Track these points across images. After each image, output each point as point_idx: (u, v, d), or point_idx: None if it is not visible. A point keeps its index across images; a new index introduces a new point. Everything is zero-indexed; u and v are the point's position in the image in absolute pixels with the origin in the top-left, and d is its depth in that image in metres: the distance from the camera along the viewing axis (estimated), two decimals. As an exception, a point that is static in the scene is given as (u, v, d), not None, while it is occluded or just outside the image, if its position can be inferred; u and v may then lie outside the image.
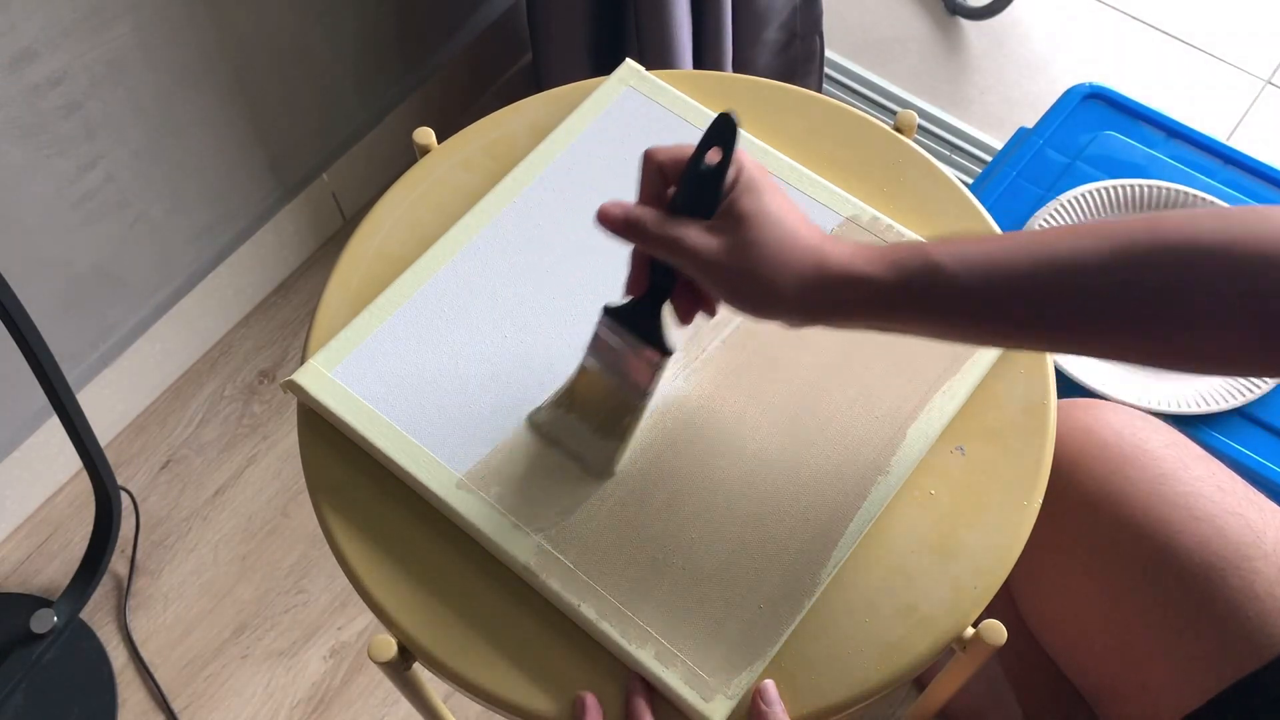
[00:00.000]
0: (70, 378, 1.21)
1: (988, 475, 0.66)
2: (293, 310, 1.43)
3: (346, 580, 0.69)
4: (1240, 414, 0.94)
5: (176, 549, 1.29)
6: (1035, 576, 0.76)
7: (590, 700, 0.59)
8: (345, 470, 0.66)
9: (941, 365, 0.68)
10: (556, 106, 0.79)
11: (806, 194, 0.74)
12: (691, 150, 0.57)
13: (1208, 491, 0.70)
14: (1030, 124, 1.15)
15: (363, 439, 0.66)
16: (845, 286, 0.55)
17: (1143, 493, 0.71)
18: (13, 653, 1.16)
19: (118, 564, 1.27)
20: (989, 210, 0.75)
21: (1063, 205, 1.02)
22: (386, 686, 1.21)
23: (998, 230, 0.74)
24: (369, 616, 1.24)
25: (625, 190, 0.74)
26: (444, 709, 0.83)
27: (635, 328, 0.62)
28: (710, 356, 0.69)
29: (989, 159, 1.43)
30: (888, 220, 0.73)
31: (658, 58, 1.20)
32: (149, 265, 1.25)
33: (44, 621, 1.17)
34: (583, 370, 0.65)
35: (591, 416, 0.65)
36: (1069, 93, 1.13)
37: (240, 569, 1.27)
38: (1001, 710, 0.99)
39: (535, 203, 0.74)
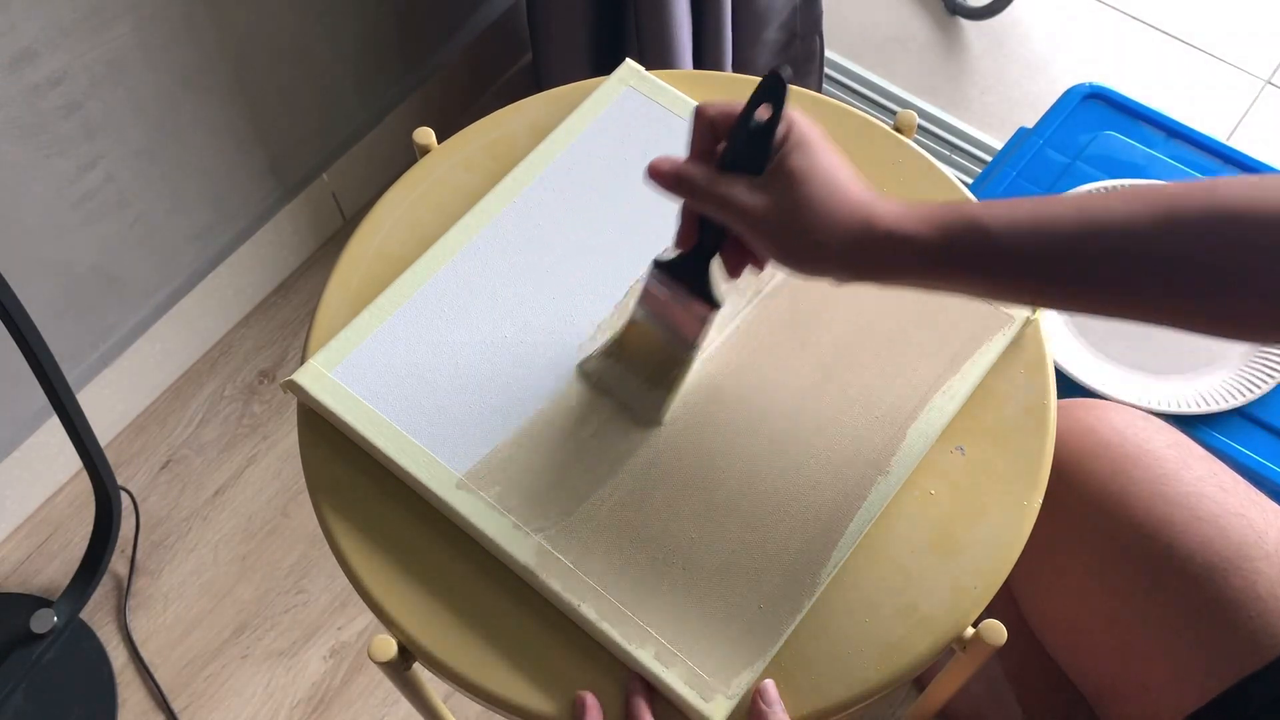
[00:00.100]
0: (70, 378, 1.21)
1: (988, 475, 0.66)
2: (293, 310, 1.43)
3: (346, 580, 0.69)
4: (1240, 414, 0.94)
5: (176, 549, 1.29)
6: (1037, 576, 0.76)
7: (590, 700, 0.59)
8: (345, 470, 0.66)
9: (941, 365, 0.68)
10: (556, 106, 0.79)
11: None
12: (742, 106, 0.57)
13: (1210, 492, 0.70)
14: (1030, 124, 1.15)
15: (363, 439, 0.66)
16: (891, 246, 0.55)
17: (1145, 493, 0.71)
18: (13, 653, 1.16)
19: (118, 564, 1.27)
20: (989, 210, 0.75)
21: (1063, 205, 1.02)
22: (386, 686, 1.21)
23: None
24: (369, 616, 1.24)
25: (624, 190, 0.75)
26: (444, 709, 0.83)
27: (684, 281, 0.63)
28: (711, 355, 0.69)
29: (989, 159, 1.43)
30: (888, 220, 0.73)
31: (658, 58, 1.20)
32: (149, 265, 1.25)
33: (44, 621, 1.17)
34: (632, 321, 0.66)
35: (640, 367, 0.66)
36: (1069, 93, 1.13)
37: (240, 569, 1.27)
38: (1001, 710, 0.99)
39: (535, 203, 0.74)
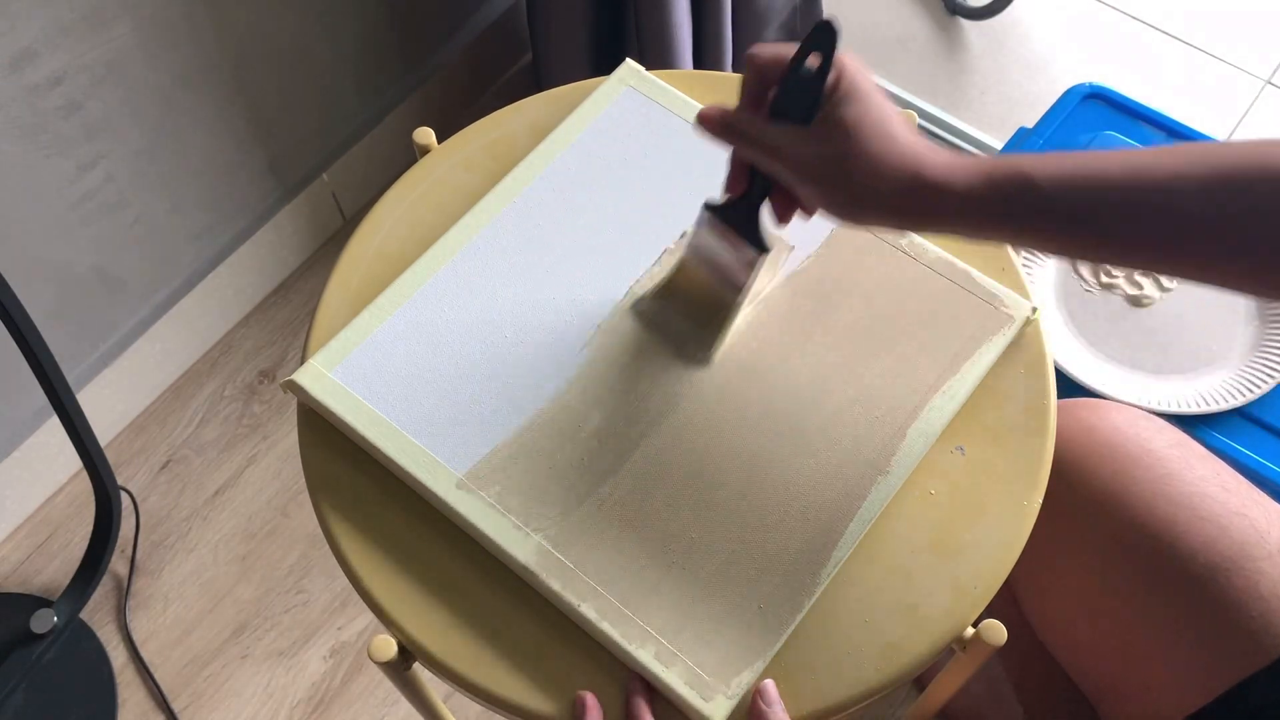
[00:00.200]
0: (70, 378, 1.21)
1: (988, 475, 0.66)
2: (293, 310, 1.43)
3: (346, 580, 0.69)
4: (1240, 414, 0.94)
5: (176, 549, 1.29)
6: (1038, 576, 0.76)
7: (590, 700, 0.59)
8: (345, 470, 0.66)
9: (941, 365, 0.68)
10: (556, 106, 0.79)
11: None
12: (792, 53, 0.57)
13: (1212, 492, 0.70)
14: (1030, 124, 1.15)
15: (363, 439, 0.66)
16: (938, 196, 0.55)
17: (1147, 492, 0.71)
18: (13, 653, 1.16)
19: (118, 564, 1.27)
20: (989, 210, 0.75)
21: (1063, 205, 1.02)
22: (386, 686, 1.21)
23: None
24: (369, 616, 1.24)
25: (624, 190, 0.75)
26: (444, 709, 0.83)
27: (733, 226, 0.63)
28: (712, 354, 0.69)
29: (989, 159, 1.43)
30: (888, 220, 0.73)
31: (658, 58, 1.20)
32: (149, 265, 1.25)
33: (44, 621, 1.17)
34: (682, 263, 0.68)
35: (690, 308, 0.68)
36: (1069, 93, 1.13)
37: (240, 569, 1.27)
38: (1002, 710, 0.99)
39: (535, 203, 0.74)
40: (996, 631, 0.61)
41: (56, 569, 1.27)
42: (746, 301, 0.67)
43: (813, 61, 0.57)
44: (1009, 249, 0.73)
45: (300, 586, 1.26)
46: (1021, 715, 0.92)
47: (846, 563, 0.63)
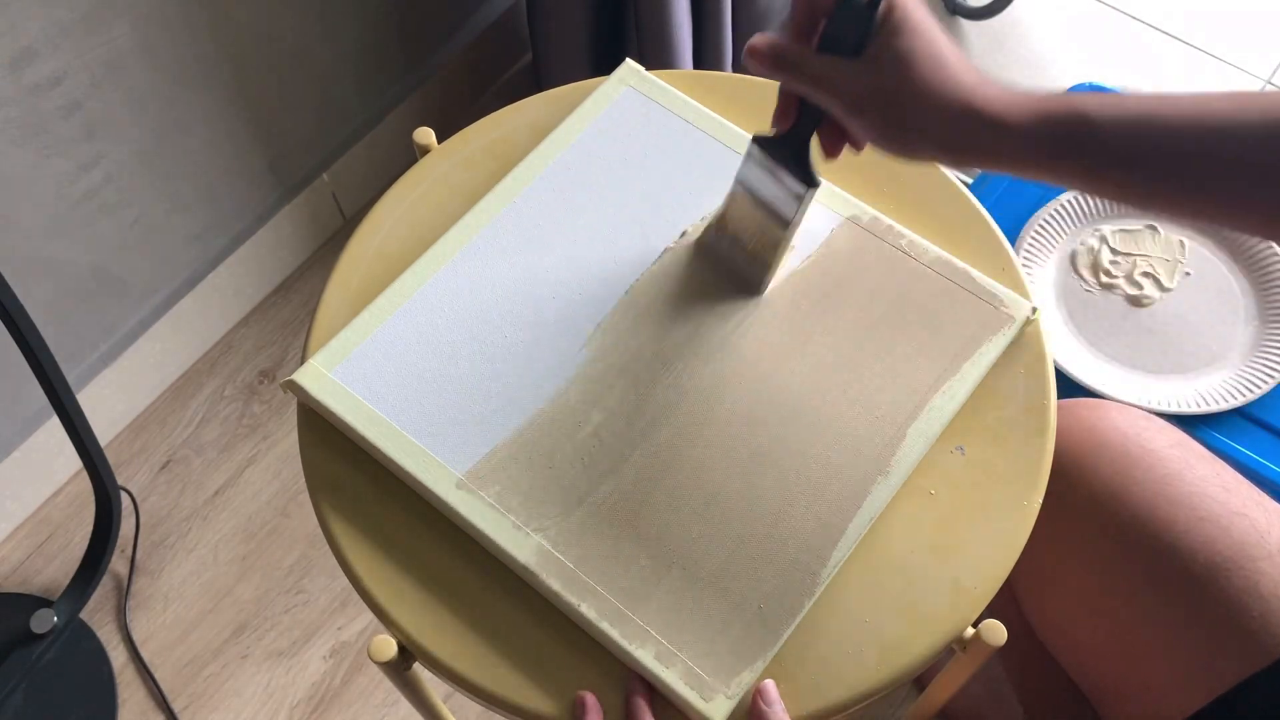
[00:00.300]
0: (70, 378, 1.21)
1: (988, 475, 0.66)
2: (293, 310, 1.43)
3: (346, 580, 0.69)
4: (1240, 414, 0.94)
5: (176, 549, 1.29)
6: (1039, 575, 0.76)
7: (590, 700, 0.59)
8: (345, 470, 0.66)
9: (941, 365, 0.68)
10: (556, 106, 0.79)
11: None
12: None
13: (1213, 492, 0.70)
14: (1030, 124, 1.15)
15: (363, 439, 0.66)
16: (992, 134, 0.54)
17: (1148, 492, 0.71)
18: (13, 653, 1.16)
19: (118, 564, 1.27)
20: (989, 210, 0.75)
21: (1063, 205, 1.02)
22: (386, 686, 1.21)
23: (996, 230, 0.74)
24: (369, 616, 1.24)
25: (624, 190, 0.75)
26: (444, 709, 0.83)
27: (781, 159, 0.64)
28: (712, 353, 0.69)
29: (989, 159, 1.43)
30: (888, 220, 0.73)
31: (658, 58, 1.20)
32: (149, 265, 1.25)
33: (44, 621, 1.17)
34: (732, 196, 0.68)
35: (742, 240, 0.68)
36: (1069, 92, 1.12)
37: (240, 569, 1.27)
38: (1002, 710, 0.99)
39: (535, 203, 0.74)
40: (996, 631, 0.61)
41: (56, 569, 1.27)
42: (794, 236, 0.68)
43: None
44: (1008, 247, 0.73)
45: (300, 586, 1.26)
46: (1021, 715, 0.92)
47: (846, 563, 0.63)
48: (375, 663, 0.62)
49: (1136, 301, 0.99)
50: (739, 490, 0.64)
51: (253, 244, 1.36)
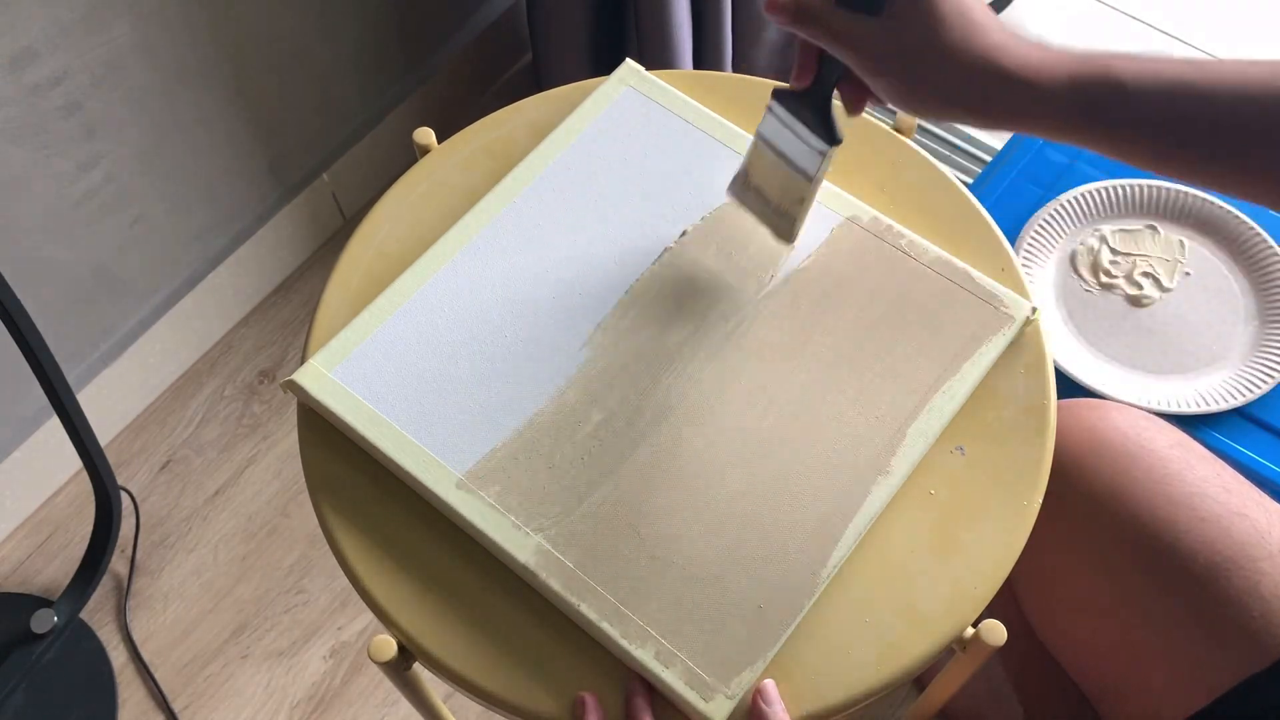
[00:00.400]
0: (70, 378, 1.21)
1: (988, 475, 0.66)
2: (293, 310, 1.43)
3: (346, 580, 0.69)
4: (1240, 414, 0.94)
5: (176, 549, 1.29)
6: (1039, 576, 0.76)
7: (590, 700, 0.59)
8: (345, 470, 0.66)
9: (941, 365, 0.68)
10: (556, 106, 0.79)
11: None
12: None
13: (1213, 492, 0.70)
14: (1030, 124, 1.15)
15: (363, 439, 0.66)
16: (1020, 97, 0.53)
17: (1148, 493, 0.71)
18: (13, 653, 1.16)
19: (118, 564, 1.27)
20: (989, 210, 0.75)
21: (1063, 205, 1.02)
22: (386, 686, 1.21)
23: (996, 230, 0.74)
24: (369, 616, 1.24)
25: (624, 190, 0.75)
26: (444, 709, 0.83)
27: (801, 115, 0.63)
28: (712, 353, 0.69)
29: (989, 159, 1.43)
30: (888, 220, 0.73)
31: (658, 58, 1.20)
32: (149, 265, 1.25)
33: (44, 621, 1.17)
34: (755, 150, 0.68)
35: (766, 193, 0.69)
36: (1069, 93, 1.12)
37: (240, 569, 1.27)
38: (1002, 710, 0.99)
39: (535, 203, 0.74)
40: (996, 631, 0.61)
41: (56, 569, 1.27)
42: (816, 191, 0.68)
43: None
44: (1008, 247, 0.73)
45: (300, 586, 1.26)
46: (1021, 715, 0.92)
47: (846, 563, 0.63)
48: (375, 663, 0.62)
49: (1136, 301, 0.99)
50: (739, 490, 0.64)
51: (253, 244, 1.36)
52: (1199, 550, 0.68)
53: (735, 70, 1.32)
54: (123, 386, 1.31)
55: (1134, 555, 0.71)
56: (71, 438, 1.05)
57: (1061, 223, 1.02)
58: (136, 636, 1.23)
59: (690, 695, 0.58)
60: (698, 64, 1.27)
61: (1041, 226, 1.02)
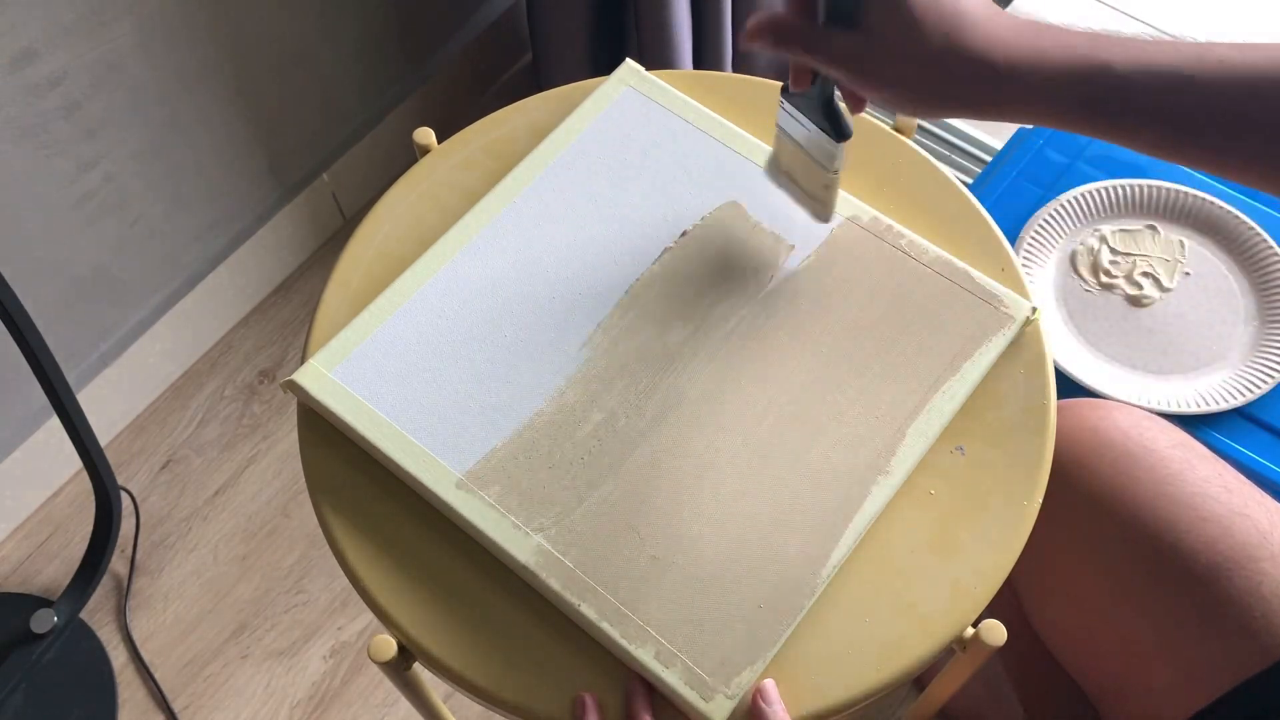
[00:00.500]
0: (70, 378, 1.21)
1: (988, 475, 0.66)
2: (293, 310, 1.43)
3: (346, 580, 0.69)
4: (1240, 414, 0.94)
5: (176, 549, 1.29)
6: (1040, 576, 0.76)
7: (590, 700, 0.59)
8: (345, 470, 0.66)
9: (941, 365, 0.68)
10: (557, 106, 0.79)
11: (806, 194, 0.74)
12: None
13: (1214, 492, 0.70)
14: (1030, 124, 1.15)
15: (363, 439, 0.66)
16: (1015, 94, 0.53)
17: (1149, 493, 0.71)
18: (13, 653, 1.16)
19: (118, 564, 1.27)
20: (989, 210, 0.75)
21: (1063, 205, 1.02)
22: (386, 686, 1.21)
23: (996, 230, 0.74)
24: (369, 616, 1.24)
25: (624, 190, 0.75)
26: (444, 709, 0.83)
27: (809, 114, 0.64)
28: (712, 353, 0.69)
29: (989, 159, 1.43)
30: (888, 220, 0.73)
31: (658, 58, 1.20)
32: (149, 265, 1.25)
33: (44, 621, 1.17)
34: (778, 139, 0.69)
35: (795, 178, 0.70)
36: (1069, 93, 1.12)
37: (240, 569, 1.27)
38: (1002, 710, 0.99)
39: (535, 202, 0.74)
40: (996, 631, 0.61)
41: (56, 569, 1.27)
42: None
43: None
44: (1008, 247, 0.73)
45: (300, 586, 1.27)
46: (1021, 715, 0.92)
47: (846, 563, 0.63)
48: (375, 663, 0.62)
49: (1136, 301, 0.99)
50: (739, 490, 0.64)
51: (253, 244, 1.36)
52: (1200, 550, 0.68)
53: (735, 70, 1.32)
54: (123, 386, 1.31)
55: (1135, 555, 0.71)
56: (71, 438, 1.05)
57: (1061, 223, 1.02)
58: (136, 636, 1.23)
59: (690, 695, 0.58)
60: (698, 64, 1.27)
61: (1041, 226, 1.02)
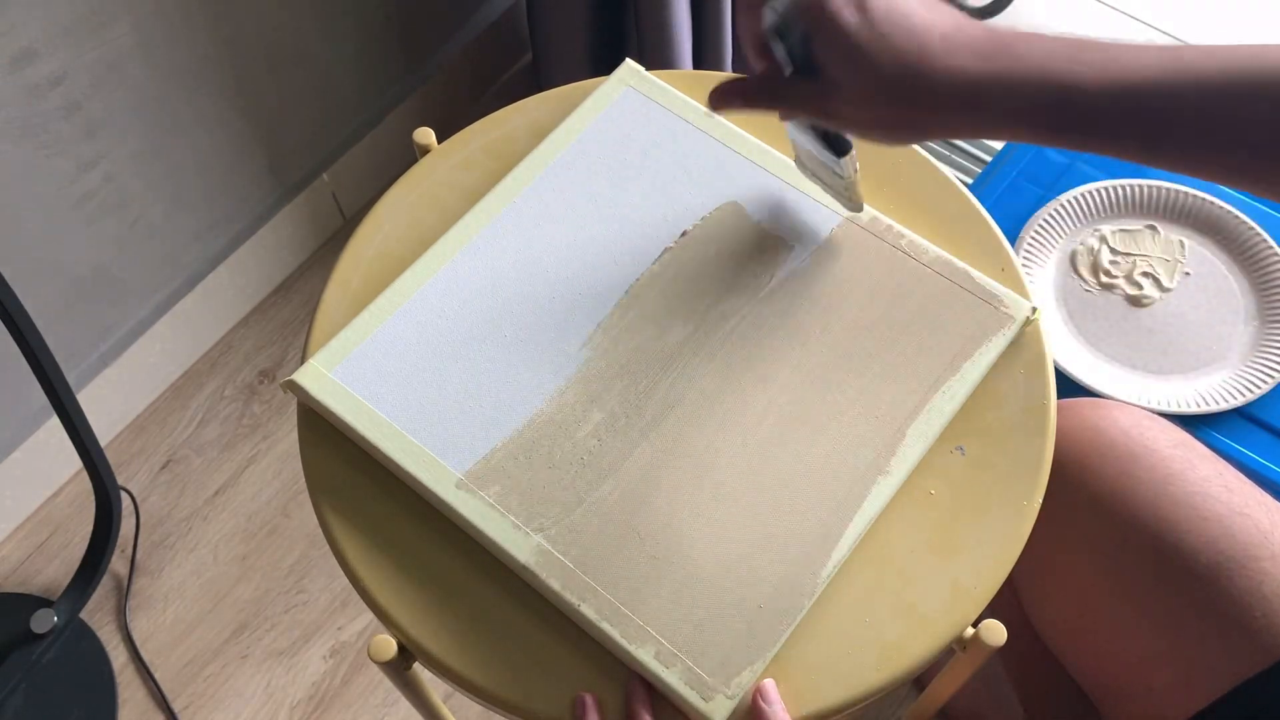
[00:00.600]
0: (70, 378, 1.21)
1: (988, 475, 0.66)
2: (293, 310, 1.43)
3: (346, 580, 0.69)
4: (1240, 414, 0.94)
5: (176, 549, 1.29)
6: (1041, 576, 0.76)
7: (590, 700, 0.59)
8: (345, 470, 0.66)
9: (941, 365, 0.68)
10: (557, 106, 0.79)
11: (806, 193, 0.74)
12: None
13: (1215, 492, 0.70)
14: (1030, 124, 1.15)
15: (363, 439, 0.66)
16: (984, 119, 0.54)
17: (1150, 492, 0.71)
18: (13, 653, 1.16)
19: (118, 564, 1.27)
20: (989, 210, 0.75)
21: (1063, 205, 1.02)
22: (386, 686, 1.21)
23: (996, 230, 0.74)
24: (369, 616, 1.24)
25: (624, 190, 0.75)
26: (444, 709, 0.83)
27: (808, 132, 0.65)
28: (712, 353, 0.69)
29: (989, 159, 1.43)
30: (888, 220, 0.73)
31: (658, 58, 1.20)
32: (149, 265, 1.25)
33: (44, 621, 1.17)
34: (794, 145, 0.71)
35: (819, 176, 0.72)
36: (1069, 93, 1.12)
37: (240, 569, 1.27)
38: (1002, 710, 0.99)
39: (535, 202, 0.74)
40: (996, 631, 0.61)
41: (56, 569, 1.27)
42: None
43: (770, 17, 0.56)
44: (1008, 247, 0.73)
45: (300, 586, 1.27)
46: (1021, 715, 0.92)
47: (846, 563, 0.63)
48: (375, 663, 0.62)
49: (1136, 301, 0.99)
50: (739, 490, 0.64)
51: (253, 244, 1.36)
52: (1201, 550, 0.68)
53: (735, 70, 1.32)
54: (123, 386, 1.31)
55: (1136, 554, 0.71)
56: (71, 438, 1.05)
57: (1061, 223, 1.02)
58: (136, 636, 1.23)
59: (690, 695, 0.58)
60: (698, 64, 1.27)
61: (1041, 226, 1.02)
